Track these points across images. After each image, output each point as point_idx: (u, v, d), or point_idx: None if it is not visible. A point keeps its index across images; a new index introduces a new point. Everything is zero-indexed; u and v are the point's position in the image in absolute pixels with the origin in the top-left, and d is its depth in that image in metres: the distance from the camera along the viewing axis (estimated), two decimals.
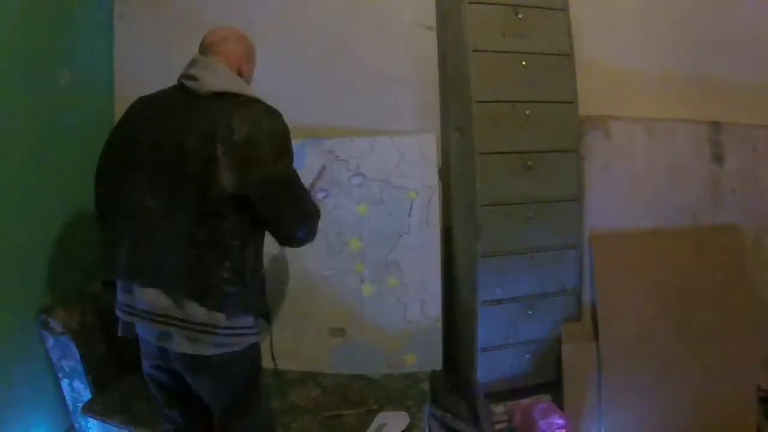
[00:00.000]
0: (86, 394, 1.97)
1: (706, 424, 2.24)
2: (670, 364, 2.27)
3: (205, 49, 1.56)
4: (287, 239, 1.57)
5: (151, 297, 1.41)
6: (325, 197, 2.30)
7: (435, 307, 2.30)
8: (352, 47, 2.46)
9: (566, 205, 2.30)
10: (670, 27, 2.52)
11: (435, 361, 2.30)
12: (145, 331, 1.47)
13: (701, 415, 2.24)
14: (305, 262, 2.30)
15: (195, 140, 1.39)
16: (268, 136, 1.42)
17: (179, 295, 1.39)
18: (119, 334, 1.53)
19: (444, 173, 2.44)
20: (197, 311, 1.38)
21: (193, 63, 1.51)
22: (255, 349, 1.53)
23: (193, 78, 1.46)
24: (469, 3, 2.15)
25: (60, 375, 1.99)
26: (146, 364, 1.53)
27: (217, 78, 1.47)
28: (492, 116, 2.18)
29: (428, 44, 2.48)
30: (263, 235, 1.53)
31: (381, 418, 1.91)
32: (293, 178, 1.50)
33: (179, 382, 1.50)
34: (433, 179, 2.34)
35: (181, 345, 1.40)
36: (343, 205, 2.32)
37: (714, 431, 2.24)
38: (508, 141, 2.21)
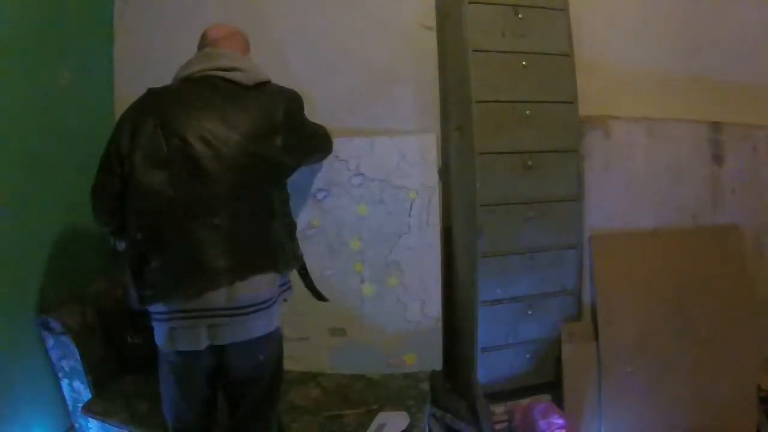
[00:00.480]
0: (86, 394, 1.97)
1: (706, 424, 2.24)
2: (670, 364, 2.27)
3: (217, 43, 1.64)
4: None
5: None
6: (325, 197, 2.30)
7: (435, 307, 2.31)
8: (352, 47, 2.46)
9: (566, 205, 2.30)
10: (671, 27, 2.52)
11: (435, 361, 2.30)
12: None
13: (701, 415, 2.25)
14: (307, 262, 2.30)
15: (261, 127, 1.52)
16: (302, 112, 1.69)
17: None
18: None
19: (444, 173, 2.44)
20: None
21: (219, 56, 1.58)
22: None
23: (237, 69, 1.54)
24: (469, 3, 2.15)
25: (60, 375, 1.99)
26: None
27: (254, 68, 1.61)
28: (492, 116, 2.19)
29: (428, 44, 2.48)
30: None
31: (381, 418, 1.91)
32: (315, 126, 1.86)
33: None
34: (433, 179, 2.34)
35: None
36: (343, 205, 2.31)
37: (714, 431, 2.24)
38: (508, 141, 2.21)
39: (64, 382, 2.00)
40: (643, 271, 2.36)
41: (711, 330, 2.31)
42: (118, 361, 2.04)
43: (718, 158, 2.48)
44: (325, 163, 2.30)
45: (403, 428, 1.86)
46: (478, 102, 2.17)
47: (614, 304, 2.32)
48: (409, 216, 2.31)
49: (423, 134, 2.38)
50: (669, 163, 2.46)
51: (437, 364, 2.30)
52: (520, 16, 2.19)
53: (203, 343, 1.43)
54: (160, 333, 1.47)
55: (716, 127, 2.48)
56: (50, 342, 1.94)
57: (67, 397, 2.02)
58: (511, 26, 2.19)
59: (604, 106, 2.43)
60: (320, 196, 2.30)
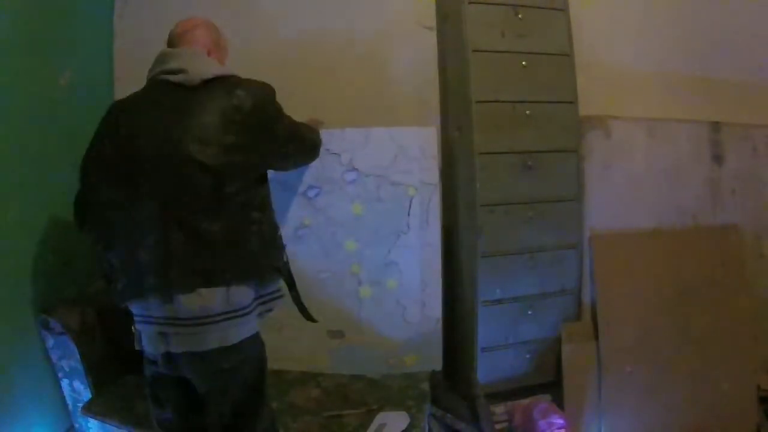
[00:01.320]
0: (86, 394, 1.97)
1: (706, 424, 2.24)
2: (670, 364, 2.27)
3: (176, 40, 1.56)
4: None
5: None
6: (316, 195, 2.21)
7: (435, 308, 2.30)
8: (352, 47, 2.46)
9: (566, 205, 2.31)
10: (670, 27, 2.52)
11: (435, 361, 2.29)
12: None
13: (701, 415, 2.25)
14: (299, 264, 2.18)
15: (209, 131, 1.40)
16: (270, 105, 1.53)
17: None
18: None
19: (444, 173, 2.44)
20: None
21: (169, 56, 1.49)
22: None
23: (180, 71, 1.44)
24: (469, 3, 2.16)
25: (60, 375, 1.99)
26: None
27: (203, 65, 1.48)
28: (492, 116, 2.19)
29: (428, 44, 2.48)
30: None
31: (381, 418, 1.91)
32: (295, 127, 1.66)
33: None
34: (434, 176, 2.33)
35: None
36: (336, 203, 2.21)
37: (714, 431, 2.24)
38: (508, 141, 2.21)
39: (64, 382, 1.99)
40: (643, 271, 2.36)
41: (711, 330, 2.31)
42: (118, 361, 2.04)
43: (718, 158, 2.48)
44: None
45: (403, 428, 1.85)
46: (478, 102, 2.17)
47: (614, 304, 2.32)
48: (408, 215, 2.23)
49: (423, 128, 2.36)
50: (669, 163, 2.46)
51: (437, 364, 2.29)
52: (520, 16, 2.19)
53: (159, 349, 1.43)
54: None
55: (716, 127, 2.48)
56: (50, 342, 1.94)
57: (67, 397, 2.02)
58: (511, 26, 2.19)
59: (604, 106, 2.43)
60: (311, 193, 2.20)
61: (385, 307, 2.25)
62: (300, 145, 1.76)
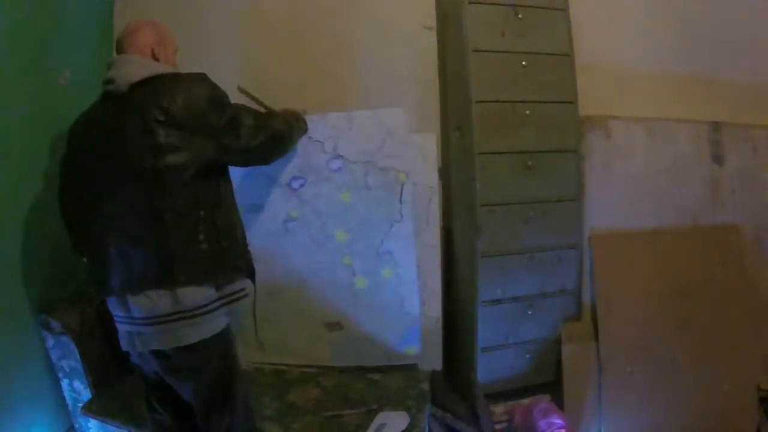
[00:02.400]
0: (86, 394, 1.97)
1: (706, 424, 2.24)
2: (670, 364, 2.27)
3: (119, 47, 1.60)
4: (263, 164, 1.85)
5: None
6: (301, 186, 2.15)
7: (435, 307, 2.30)
8: (352, 47, 2.46)
9: (566, 205, 2.30)
10: (670, 27, 2.52)
11: (435, 361, 2.30)
12: None
13: (701, 415, 2.25)
14: (290, 257, 2.21)
15: (136, 137, 1.42)
16: (205, 98, 1.47)
17: None
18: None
19: (444, 173, 2.44)
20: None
21: (108, 66, 1.54)
22: None
23: (110, 81, 1.49)
24: (469, 3, 2.16)
25: (60, 375, 1.99)
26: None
27: (130, 69, 1.49)
28: (492, 116, 2.19)
29: (428, 44, 2.47)
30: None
31: (381, 418, 1.91)
32: (241, 118, 1.58)
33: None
34: (433, 179, 2.33)
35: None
36: (323, 193, 2.15)
37: (714, 431, 2.25)
38: (508, 141, 2.21)
39: (64, 382, 2.00)
40: (643, 271, 2.36)
41: (711, 330, 2.31)
42: (118, 361, 2.04)
43: (718, 158, 2.48)
44: (299, 145, 2.13)
45: (403, 428, 1.86)
46: (478, 102, 2.17)
47: (614, 304, 2.32)
48: (400, 202, 2.14)
49: (423, 134, 2.38)
50: (669, 163, 2.46)
51: (437, 364, 2.30)
52: (520, 16, 2.19)
53: (130, 347, 1.53)
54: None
55: (716, 127, 2.48)
56: (50, 342, 1.94)
57: (67, 397, 2.02)
58: (511, 26, 2.19)
59: (604, 106, 2.43)
60: (296, 184, 2.14)
61: (382, 298, 2.19)
62: (256, 134, 1.63)
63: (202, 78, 1.51)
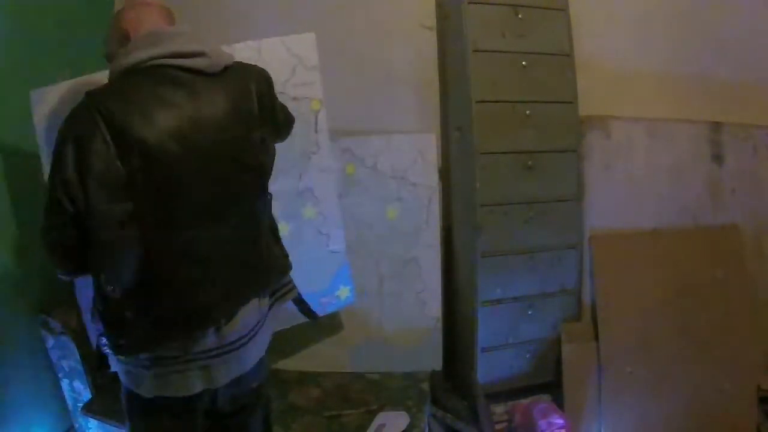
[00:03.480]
0: (86, 394, 1.97)
1: (707, 424, 2.24)
2: (670, 363, 2.27)
3: (168, 18, 1.30)
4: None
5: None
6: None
7: (435, 307, 2.30)
8: (352, 47, 2.46)
9: (566, 205, 2.31)
10: (670, 27, 2.52)
11: (435, 361, 2.30)
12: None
13: (701, 415, 2.25)
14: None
15: (235, 125, 1.24)
16: (271, 92, 1.36)
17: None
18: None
19: (444, 173, 2.44)
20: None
21: (169, 38, 1.20)
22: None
23: (199, 54, 1.20)
24: (469, 3, 2.15)
25: (60, 375, 1.99)
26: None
27: (219, 50, 1.27)
28: (492, 116, 2.19)
29: (428, 44, 2.48)
30: None
31: (381, 418, 1.91)
32: (285, 110, 1.48)
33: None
34: (434, 178, 2.34)
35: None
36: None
37: (714, 431, 2.24)
38: (508, 141, 2.21)
39: (64, 382, 2.00)
40: (643, 271, 2.36)
41: (711, 330, 2.31)
42: None
43: (718, 158, 2.48)
44: None
45: (403, 428, 1.86)
46: (478, 102, 2.17)
47: (614, 304, 2.32)
48: (316, 131, 1.96)
49: (423, 134, 2.38)
50: (669, 163, 2.46)
51: (437, 364, 2.30)
52: (520, 16, 2.19)
53: (197, 388, 1.25)
54: (138, 379, 1.23)
55: (716, 127, 2.48)
56: (50, 342, 1.94)
57: (67, 397, 2.02)
58: (511, 26, 2.19)
59: (604, 106, 2.43)
60: None
61: (306, 241, 2.02)
62: (291, 123, 1.57)
63: (264, 69, 1.38)
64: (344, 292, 2.12)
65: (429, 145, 2.35)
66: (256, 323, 1.32)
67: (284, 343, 2.27)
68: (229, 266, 1.26)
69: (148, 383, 1.22)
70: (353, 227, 2.31)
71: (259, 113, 1.28)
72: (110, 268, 1.17)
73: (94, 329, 1.35)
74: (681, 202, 2.46)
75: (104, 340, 1.25)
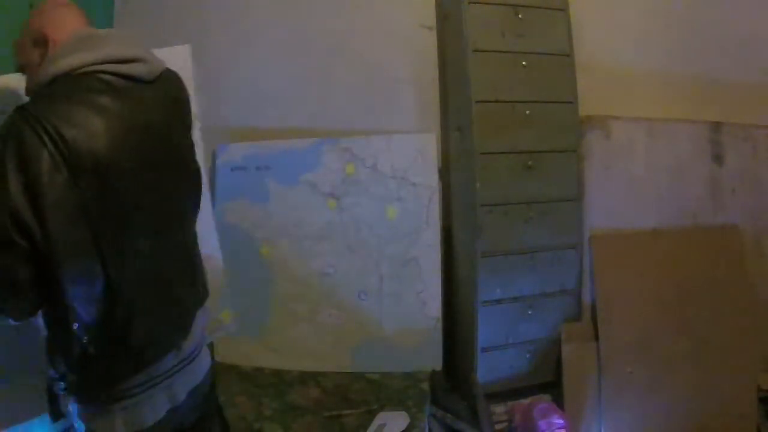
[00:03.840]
0: None
1: (706, 424, 2.24)
2: (670, 364, 2.27)
3: (86, 19, 1.23)
4: None
5: None
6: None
7: (435, 307, 2.30)
8: (352, 47, 2.46)
9: (566, 205, 2.30)
10: (670, 27, 2.52)
11: (435, 361, 2.30)
12: None
13: (701, 415, 2.25)
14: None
15: (180, 135, 1.20)
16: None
17: None
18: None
19: (444, 173, 2.44)
20: None
21: (106, 39, 1.10)
22: None
23: (138, 59, 1.10)
24: (469, 3, 2.16)
25: None
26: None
27: (154, 55, 1.17)
28: (492, 116, 2.19)
29: (428, 44, 2.48)
30: None
31: (381, 418, 1.91)
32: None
33: None
34: (434, 178, 2.34)
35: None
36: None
37: (714, 431, 2.24)
38: (508, 141, 2.21)
39: None
40: (643, 271, 2.36)
41: (711, 330, 2.31)
42: None
43: (718, 158, 2.48)
44: None
45: (403, 428, 1.86)
46: (478, 102, 2.17)
47: (614, 304, 2.32)
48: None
49: (423, 134, 2.38)
50: (669, 163, 2.46)
51: (437, 364, 2.30)
52: (520, 16, 2.19)
53: (164, 411, 1.17)
54: (106, 419, 1.12)
55: (716, 127, 2.48)
56: None
57: None
58: (511, 26, 2.19)
59: (604, 106, 2.43)
60: None
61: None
62: None
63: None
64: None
65: (429, 145, 2.35)
66: (202, 331, 1.29)
67: (284, 343, 2.28)
68: (186, 283, 1.23)
69: (119, 422, 1.11)
70: (353, 227, 2.32)
71: (190, 121, 1.26)
72: (80, 302, 1.03)
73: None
74: (681, 202, 2.46)
75: (61, 385, 1.13)
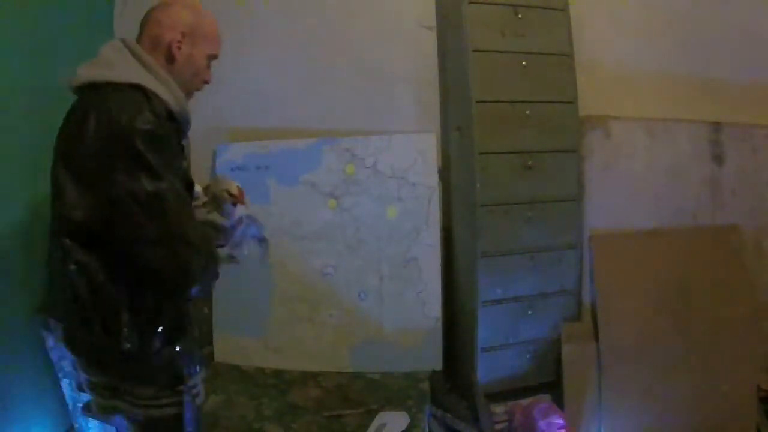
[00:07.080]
0: (86, 394, 1.96)
1: (706, 424, 2.24)
2: (670, 364, 2.27)
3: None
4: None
5: None
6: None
7: (435, 307, 2.30)
8: (352, 47, 2.46)
9: (566, 205, 2.30)
10: (670, 27, 2.52)
11: (435, 361, 2.30)
12: None
13: (701, 415, 2.24)
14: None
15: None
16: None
17: None
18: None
19: (444, 173, 2.44)
20: None
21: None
22: None
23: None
24: (469, 3, 2.16)
25: (60, 375, 1.98)
26: None
27: (93, 65, 1.30)
28: (492, 116, 2.19)
29: (428, 44, 2.48)
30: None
31: (381, 418, 1.91)
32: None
33: None
34: (434, 179, 2.34)
35: None
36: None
37: (714, 431, 2.24)
38: (508, 141, 2.21)
39: (64, 382, 1.99)
40: (643, 271, 2.36)
41: (711, 330, 2.31)
42: None
43: (718, 158, 2.48)
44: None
45: (403, 428, 1.86)
46: (478, 102, 2.17)
47: (614, 304, 2.32)
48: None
49: (423, 134, 2.38)
50: (669, 163, 2.46)
51: (437, 364, 2.30)
52: (520, 16, 2.19)
53: None
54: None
55: (716, 127, 2.48)
56: (50, 342, 1.94)
57: (67, 397, 2.01)
58: (511, 26, 2.19)
59: (604, 106, 2.43)
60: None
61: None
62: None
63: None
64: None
65: (429, 145, 2.35)
66: None
67: (284, 343, 2.28)
68: None
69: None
70: (353, 227, 2.32)
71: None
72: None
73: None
74: (681, 202, 2.46)
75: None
